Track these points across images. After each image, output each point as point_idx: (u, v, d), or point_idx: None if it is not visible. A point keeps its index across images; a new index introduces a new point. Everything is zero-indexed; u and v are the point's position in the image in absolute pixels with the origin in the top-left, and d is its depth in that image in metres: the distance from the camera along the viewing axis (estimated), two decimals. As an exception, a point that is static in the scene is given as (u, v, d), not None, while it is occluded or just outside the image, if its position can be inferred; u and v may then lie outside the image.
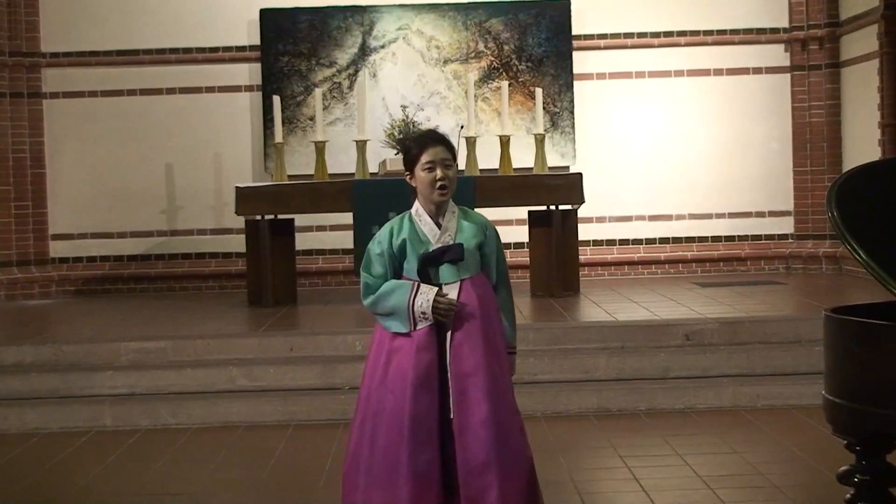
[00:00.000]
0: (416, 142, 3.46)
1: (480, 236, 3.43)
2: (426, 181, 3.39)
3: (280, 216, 7.74)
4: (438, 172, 3.38)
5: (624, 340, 5.91)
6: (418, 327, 3.35)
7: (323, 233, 8.94)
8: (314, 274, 8.92)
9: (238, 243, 8.58)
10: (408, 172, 3.46)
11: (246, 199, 7.42)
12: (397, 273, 3.44)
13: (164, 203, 9.02)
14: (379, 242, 3.44)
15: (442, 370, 3.34)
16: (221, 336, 6.11)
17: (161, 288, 8.93)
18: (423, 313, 3.33)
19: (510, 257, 8.86)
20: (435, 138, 3.43)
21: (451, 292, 3.36)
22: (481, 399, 3.29)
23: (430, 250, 3.38)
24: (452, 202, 3.47)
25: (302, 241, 8.57)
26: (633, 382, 5.64)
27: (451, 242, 3.39)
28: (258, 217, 7.49)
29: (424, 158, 3.39)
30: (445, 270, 3.38)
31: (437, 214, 3.43)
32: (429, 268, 3.38)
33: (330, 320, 6.70)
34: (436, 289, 3.35)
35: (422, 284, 3.36)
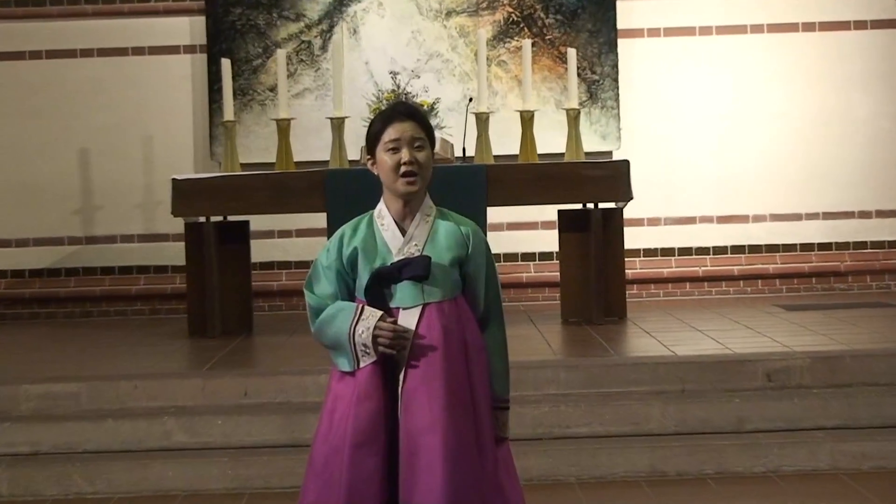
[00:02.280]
0: (379, 116, 3.46)
1: (460, 249, 3.41)
2: (388, 166, 3.38)
3: (231, 218, 7.74)
4: (405, 154, 3.37)
5: (685, 382, 5.89)
6: (361, 365, 3.34)
7: (287, 240, 8.95)
8: (276, 294, 8.92)
9: (175, 254, 8.58)
10: (369, 156, 3.46)
11: (186, 195, 7.42)
12: (351, 293, 3.43)
13: (78, 201, 9.03)
14: (328, 251, 3.44)
15: (395, 424, 3.32)
16: (153, 376, 6.10)
17: (74, 312, 8.92)
18: (364, 346, 3.32)
19: (534, 271, 8.86)
20: (403, 111, 3.43)
21: (409, 320, 3.35)
22: (436, 464, 3.26)
23: (388, 264, 3.37)
24: (430, 201, 3.45)
25: (260, 251, 8.57)
26: (697, 437, 5.63)
27: (417, 254, 3.37)
28: (202, 219, 7.49)
29: (387, 136, 3.39)
30: (405, 291, 3.36)
31: (404, 216, 3.41)
32: (384, 287, 3.36)
33: (296, 355, 6.69)
34: (379, 313, 3.33)
35: (366, 307, 3.35)
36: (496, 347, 3.46)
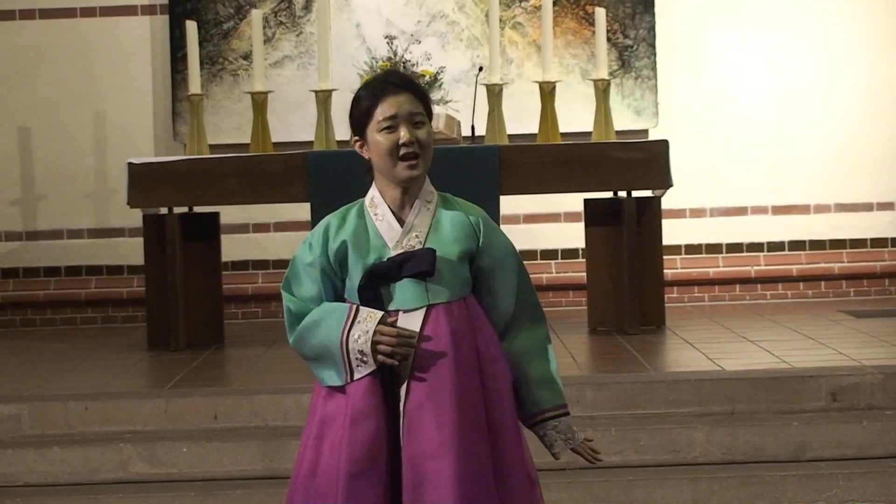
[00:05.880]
0: (367, 89, 3.46)
1: (469, 241, 3.44)
2: (384, 148, 3.39)
3: (197, 209, 7.76)
4: (403, 133, 3.39)
5: (735, 402, 5.90)
6: (356, 376, 3.35)
7: (264, 234, 8.96)
8: (250, 299, 8.93)
9: (132, 251, 8.59)
10: (357, 137, 3.47)
11: (144, 182, 7.44)
12: (339, 295, 3.45)
13: (18, 189, 9.04)
14: (309, 246, 3.46)
15: (396, 448, 3.34)
16: (107, 396, 6.12)
17: (13, 321, 8.93)
18: (361, 353, 3.33)
19: (556, 271, 8.87)
20: (396, 82, 3.45)
21: (412, 324, 3.37)
22: (446, 495, 3.27)
23: (384, 259, 3.38)
24: (430, 185, 3.47)
25: (232, 249, 8.58)
26: (749, 467, 5.64)
27: (419, 247, 3.39)
28: (163, 211, 7.51)
29: (381, 113, 3.40)
30: (406, 291, 3.38)
31: (402, 204, 3.44)
32: (380, 286, 3.38)
33: (275, 371, 6.70)
34: (379, 314, 3.34)
35: (361, 308, 3.36)
36: (540, 349, 3.50)
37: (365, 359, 3.33)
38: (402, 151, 3.38)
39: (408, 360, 3.34)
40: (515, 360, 3.48)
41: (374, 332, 3.32)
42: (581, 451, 3.55)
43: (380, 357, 3.32)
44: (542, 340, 3.52)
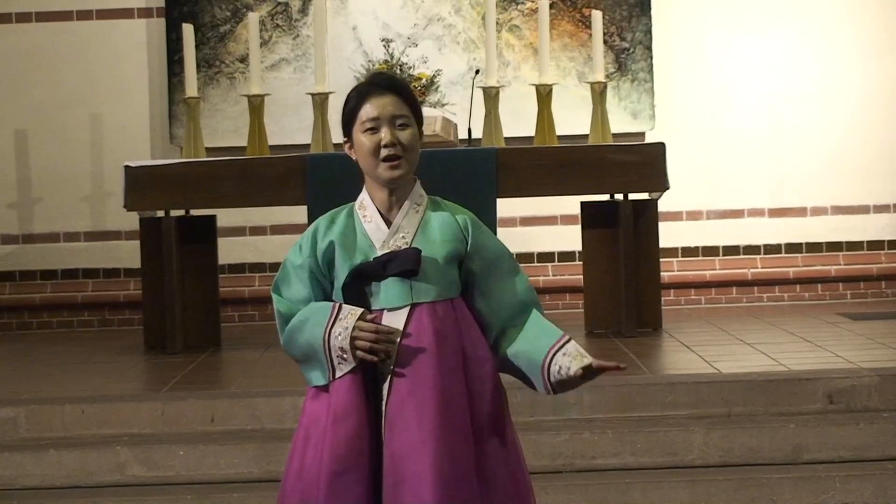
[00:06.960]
0: (354, 91, 3.48)
1: (458, 244, 3.44)
2: (366, 149, 3.41)
3: (194, 212, 7.77)
4: (385, 134, 3.40)
5: (731, 404, 5.91)
6: (338, 374, 3.36)
7: (261, 237, 8.96)
8: (247, 302, 8.93)
9: (128, 254, 8.60)
10: (346, 140, 3.49)
11: (141, 185, 7.44)
12: (328, 297, 3.46)
13: (14, 192, 9.04)
14: (299, 248, 3.49)
15: (379, 447, 3.34)
16: (104, 399, 6.12)
17: (9, 324, 8.94)
18: (342, 350, 3.34)
19: (553, 274, 8.88)
20: (381, 83, 3.46)
21: (395, 322, 3.37)
22: (424, 495, 3.27)
23: (371, 259, 3.40)
24: (421, 188, 3.48)
25: (229, 251, 8.59)
26: (745, 469, 5.64)
27: (405, 247, 3.40)
28: (160, 214, 7.51)
29: (364, 114, 3.42)
30: (390, 290, 3.39)
31: (390, 206, 3.45)
32: (365, 286, 3.39)
33: (272, 374, 6.70)
34: (359, 311, 3.35)
35: (343, 306, 3.38)
36: (526, 318, 3.46)
37: (345, 356, 3.34)
38: (384, 153, 3.39)
39: (390, 357, 3.35)
40: (515, 344, 3.45)
41: (353, 329, 3.32)
42: (602, 366, 3.38)
43: (358, 353, 3.32)
44: (529, 314, 3.47)
